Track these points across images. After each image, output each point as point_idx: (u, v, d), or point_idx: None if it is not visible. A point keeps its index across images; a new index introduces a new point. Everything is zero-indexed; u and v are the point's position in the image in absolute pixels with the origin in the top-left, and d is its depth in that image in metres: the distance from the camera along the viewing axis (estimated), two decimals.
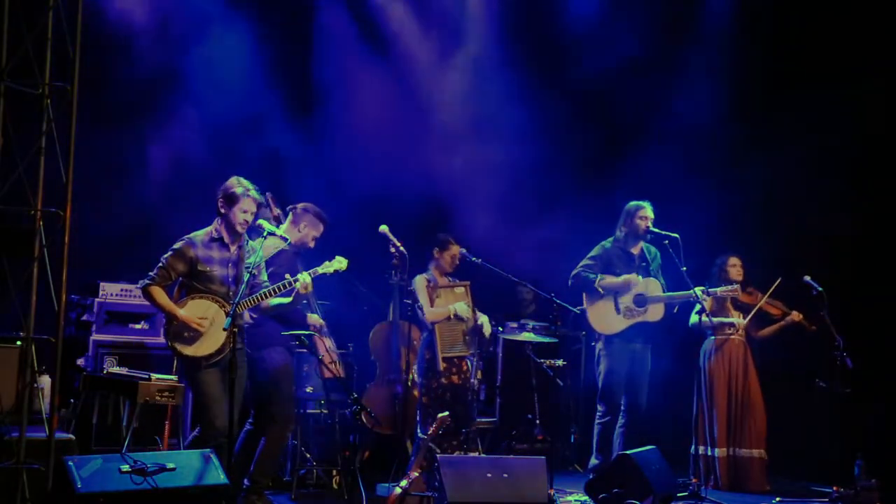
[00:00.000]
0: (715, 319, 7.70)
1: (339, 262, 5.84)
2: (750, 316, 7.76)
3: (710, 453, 7.70)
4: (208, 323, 5.53)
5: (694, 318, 7.74)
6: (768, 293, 7.69)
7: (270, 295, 5.65)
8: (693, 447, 7.70)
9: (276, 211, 6.86)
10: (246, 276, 5.59)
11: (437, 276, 7.14)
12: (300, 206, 6.40)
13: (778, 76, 8.61)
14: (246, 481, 6.05)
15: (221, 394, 5.56)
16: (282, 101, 8.17)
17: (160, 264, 5.59)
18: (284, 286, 5.66)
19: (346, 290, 7.73)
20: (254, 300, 5.60)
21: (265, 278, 5.76)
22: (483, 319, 7.10)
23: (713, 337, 7.85)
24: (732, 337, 7.83)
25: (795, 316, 7.74)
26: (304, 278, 5.68)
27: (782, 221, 8.46)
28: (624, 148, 8.91)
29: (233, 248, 5.71)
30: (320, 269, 5.80)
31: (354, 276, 7.64)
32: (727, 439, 7.70)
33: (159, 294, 5.56)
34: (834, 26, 8.28)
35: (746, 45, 8.65)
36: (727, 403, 7.74)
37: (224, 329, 5.43)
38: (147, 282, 5.56)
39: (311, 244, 6.40)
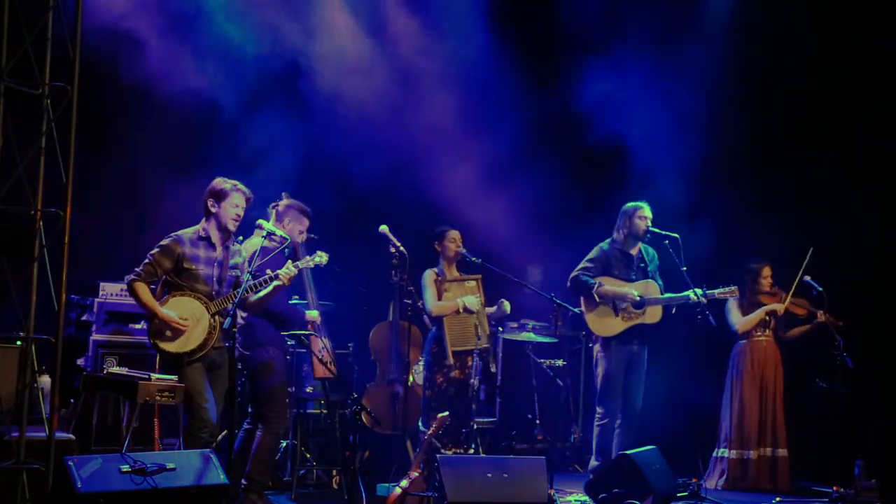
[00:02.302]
0: (758, 312, 7.76)
1: (320, 257, 5.89)
2: (786, 302, 7.73)
3: (735, 456, 7.72)
4: (191, 322, 5.53)
5: (738, 320, 7.79)
6: (793, 287, 7.68)
7: (254, 290, 5.65)
8: (716, 449, 7.82)
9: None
10: (245, 277, 5.60)
11: (446, 269, 7.14)
12: (282, 202, 6.41)
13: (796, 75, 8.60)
14: (243, 480, 6.05)
15: (205, 386, 5.58)
16: (281, 100, 8.15)
17: (147, 260, 5.58)
18: (266, 281, 5.68)
19: (346, 290, 7.73)
20: (243, 297, 5.60)
21: (247, 278, 5.71)
22: (500, 302, 7.14)
23: (743, 340, 7.87)
24: (762, 339, 7.85)
25: (821, 316, 7.73)
26: (289, 271, 5.69)
27: (783, 221, 8.46)
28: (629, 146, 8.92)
29: (219, 249, 5.72)
30: (301, 264, 5.84)
31: (354, 276, 7.66)
32: (758, 440, 7.74)
33: (143, 291, 5.52)
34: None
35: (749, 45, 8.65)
36: (760, 405, 7.78)
37: (224, 329, 5.45)
38: (133, 277, 5.54)
39: (300, 238, 6.42)
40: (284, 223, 6.36)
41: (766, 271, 7.89)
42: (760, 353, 7.84)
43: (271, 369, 6.16)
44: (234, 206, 5.68)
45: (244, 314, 6.01)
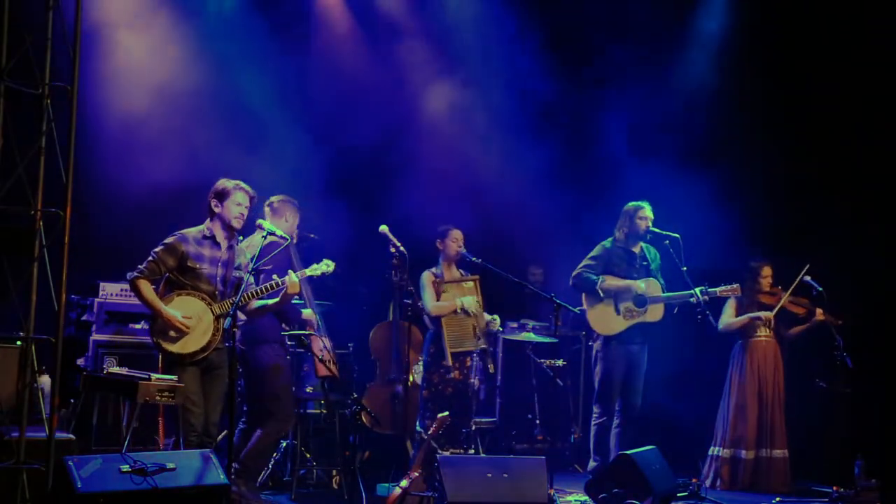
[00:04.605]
0: (743, 318, 7.72)
1: (327, 265, 5.91)
2: (776, 310, 7.71)
3: (728, 455, 7.71)
4: (194, 322, 5.52)
5: (724, 320, 7.75)
6: (791, 288, 7.66)
7: (257, 295, 5.66)
8: (712, 448, 7.78)
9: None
10: (248, 277, 5.60)
11: (445, 269, 7.14)
12: (275, 198, 6.42)
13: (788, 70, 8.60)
14: (235, 465, 5.99)
15: (198, 391, 5.56)
16: (283, 98, 8.15)
17: (150, 258, 5.56)
18: (272, 287, 5.67)
19: (346, 290, 7.73)
20: (244, 299, 5.60)
21: (251, 280, 5.73)
22: (489, 319, 7.14)
23: (744, 340, 7.84)
24: (762, 338, 7.82)
25: (819, 315, 7.71)
26: (293, 279, 5.70)
27: (782, 218, 8.47)
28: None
29: (224, 249, 5.71)
30: (308, 271, 5.86)
31: (354, 276, 7.65)
32: (756, 441, 7.70)
33: (147, 288, 5.51)
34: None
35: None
36: (758, 405, 7.73)
37: (225, 328, 5.45)
38: (136, 274, 5.52)
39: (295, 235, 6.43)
40: (286, 219, 6.35)
41: (766, 271, 7.86)
42: (761, 353, 7.80)
43: (279, 370, 6.20)
44: (237, 203, 5.67)
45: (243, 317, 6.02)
